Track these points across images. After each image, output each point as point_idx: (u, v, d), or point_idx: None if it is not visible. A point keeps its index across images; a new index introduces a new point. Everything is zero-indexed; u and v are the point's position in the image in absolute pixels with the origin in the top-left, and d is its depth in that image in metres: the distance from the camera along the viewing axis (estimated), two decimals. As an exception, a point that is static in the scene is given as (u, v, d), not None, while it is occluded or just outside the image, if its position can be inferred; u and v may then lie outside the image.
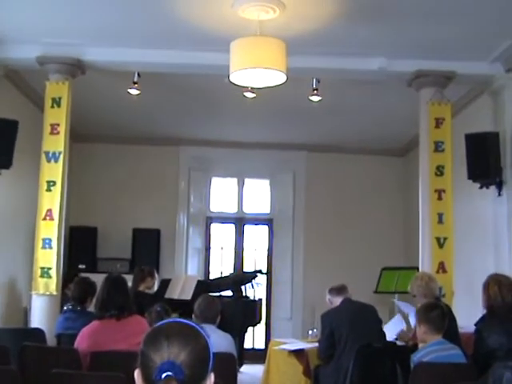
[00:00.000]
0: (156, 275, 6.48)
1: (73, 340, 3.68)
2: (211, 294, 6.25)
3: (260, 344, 9.36)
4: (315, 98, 6.59)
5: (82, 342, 3.56)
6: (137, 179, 9.07)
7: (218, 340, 3.86)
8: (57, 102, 5.62)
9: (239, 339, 6.72)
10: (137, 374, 1.30)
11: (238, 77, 4.69)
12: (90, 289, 4.64)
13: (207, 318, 3.95)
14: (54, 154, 5.57)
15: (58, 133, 5.57)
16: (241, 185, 9.64)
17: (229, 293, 7.36)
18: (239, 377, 3.92)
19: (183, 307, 5.73)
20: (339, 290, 4.95)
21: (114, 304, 3.60)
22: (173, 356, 1.25)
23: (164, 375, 1.23)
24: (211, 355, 1.32)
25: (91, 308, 4.29)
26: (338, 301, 4.88)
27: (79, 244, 8.43)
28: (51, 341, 4.64)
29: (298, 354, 5.16)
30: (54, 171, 5.56)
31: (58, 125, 5.60)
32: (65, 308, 4.66)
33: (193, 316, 4.04)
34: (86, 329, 3.62)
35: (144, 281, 6.22)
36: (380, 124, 8.06)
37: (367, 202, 9.28)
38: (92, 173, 9.02)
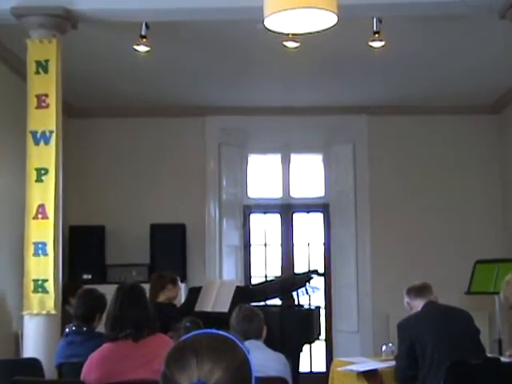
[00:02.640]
0: (179, 283, 6.54)
1: (78, 370, 3.69)
2: (254, 303, 6.30)
3: (320, 366, 9.35)
4: (377, 44, 6.49)
5: (90, 372, 3.57)
6: (153, 162, 9.12)
7: (268, 361, 3.92)
8: (43, 67, 5.60)
9: (292, 360, 6.69)
10: None
11: (274, 21, 4.57)
12: (99, 303, 4.66)
13: (248, 332, 4.00)
14: (43, 134, 5.58)
15: (46, 106, 5.56)
16: (286, 162, 9.63)
17: (277, 301, 7.36)
18: (294, 409, 3.93)
19: (219, 322, 5.72)
20: (420, 290, 4.91)
21: (129, 321, 3.63)
22: (204, 376, 1.27)
23: None
24: (253, 373, 1.35)
25: (100, 328, 4.31)
26: (419, 305, 4.85)
27: (83, 248, 8.49)
28: (51, 373, 4.68)
29: (370, 376, 5.13)
30: (44, 156, 5.57)
31: (47, 96, 5.59)
32: (67, 330, 4.68)
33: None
34: (96, 354, 3.64)
35: (164, 290, 6.26)
36: (463, 74, 7.92)
37: (451, 176, 9.15)
38: (95, 157, 9.09)
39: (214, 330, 1.39)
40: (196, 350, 1.31)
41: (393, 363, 5.04)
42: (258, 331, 4.07)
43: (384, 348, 5.87)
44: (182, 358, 1.31)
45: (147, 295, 4.00)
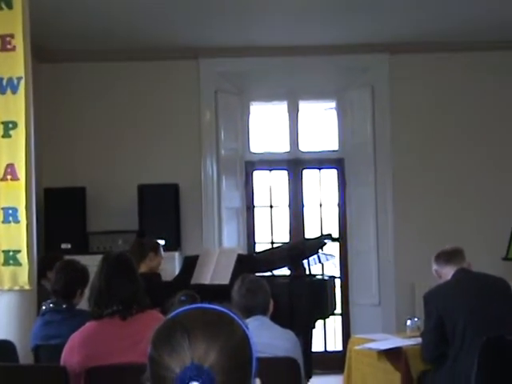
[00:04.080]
0: (161, 250, 6.61)
1: (58, 353, 3.73)
2: (259, 274, 6.34)
3: (335, 344, 9.43)
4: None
5: (71, 354, 3.60)
6: (139, 113, 9.08)
7: (275, 339, 3.98)
8: (6, 1, 5.53)
9: (304, 338, 6.75)
10: None
11: None
12: (80, 277, 4.71)
13: (252, 307, 4.06)
14: (10, 81, 5.54)
15: (12, 48, 5.52)
16: (294, 111, 9.57)
17: (285, 271, 7.39)
18: (307, 393, 4.00)
19: (219, 296, 5.77)
20: (451, 256, 4.95)
21: (116, 296, 3.67)
22: (198, 358, 1.28)
23: None
24: (253, 353, 1.36)
25: (82, 305, 4.33)
26: (449, 273, 4.89)
27: (60, 213, 8.45)
28: (26, 357, 4.71)
29: (393, 355, 5.20)
30: (11, 107, 5.55)
31: (12, 36, 5.55)
32: (43, 307, 4.71)
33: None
34: (77, 335, 3.67)
35: (145, 259, 6.38)
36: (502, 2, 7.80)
37: (488, 126, 9.10)
38: (71, 108, 9.02)
39: (206, 304, 1.40)
40: (187, 329, 1.31)
41: (419, 340, 5.10)
42: (263, 306, 4.11)
43: (409, 323, 5.91)
44: (172, 338, 1.31)
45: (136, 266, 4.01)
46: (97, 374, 3.44)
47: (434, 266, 5.00)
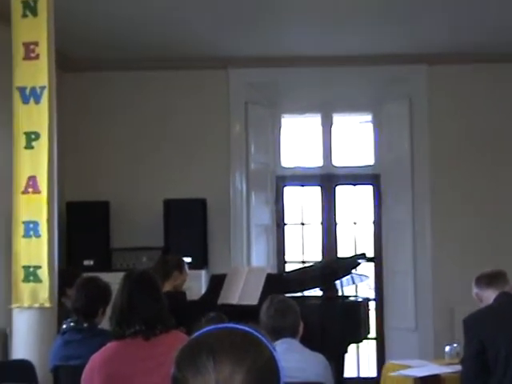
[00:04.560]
0: (186, 267, 6.60)
1: (78, 375, 3.71)
2: (289, 294, 6.32)
3: (369, 370, 9.40)
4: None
5: (91, 376, 3.59)
6: (166, 125, 9.13)
7: (305, 363, 3.98)
8: (30, 8, 5.60)
9: (336, 363, 6.72)
10: None
11: None
12: (102, 295, 4.72)
13: (281, 329, 4.05)
14: (33, 90, 5.60)
15: (36, 57, 5.58)
16: (327, 124, 9.59)
17: (317, 292, 7.37)
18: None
19: (247, 317, 5.76)
20: (492, 278, 4.91)
21: (139, 315, 3.66)
22: (223, 380, 1.28)
23: None
24: (280, 375, 1.36)
25: (104, 324, 4.33)
26: (490, 296, 4.85)
27: (83, 228, 8.51)
28: (44, 377, 4.73)
29: (431, 383, 5.13)
30: (35, 118, 5.60)
31: (36, 44, 5.60)
32: (64, 326, 4.73)
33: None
34: (98, 356, 3.66)
35: (169, 278, 6.35)
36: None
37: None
38: (96, 119, 9.10)
39: (232, 324, 1.40)
40: (213, 349, 1.32)
41: (458, 367, 5.05)
42: (293, 328, 4.10)
43: (447, 349, 5.87)
44: (197, 358, 1.31)
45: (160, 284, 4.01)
46: (118, 396, 3.44)
47: (475, 290, 4.95)
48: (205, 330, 1.40)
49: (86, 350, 4.05)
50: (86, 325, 4.62)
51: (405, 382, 5.27)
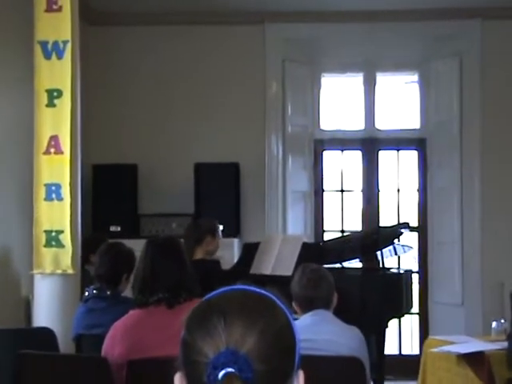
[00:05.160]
0: (220, 233, 6.60)
1: (101, 344, 3.80)
2: (327, 265, 6.34)
3: (412, 347, 9.43)
4: None
5: (112, 345, 3.65)
6: (197, 83, 9.11)
7: (338, 336, 3.98)
8: (53, -45, 5.66)
9: (377, 339, 6.75)
10: (178, 379, 1.38)
11: None
12: (126, 261, 4.76)
13: (314, 299, 4.06)
14: (55, 44, 5.63)
15: (58, 9, 5.61)
16: (370, 84, 9.53)
17: (356, 263, 7.44)
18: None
19: (281, 288, 5.80)
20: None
21: (163, 282, 3.72)
22: (234, 342, 1.30)
23: (221, 374, 1.27)
24: (297, 342, 1.36)
25: (128, 292, 4.38)
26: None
27: (110, 193, 8.53)
28: (67, 346, 4.81)
29: (474, 360, 5.15)
30: (56, 74, 5.64)
31: (59, -5, 5.65)
32: (87, 294, 4.78)
33: (293, 303, 4.14)
34: (120, 324, 3.74)
35: (202, 243, 6.35)
36: None
37: None
38: (123, 76, 9.08)
39: (247, 286, 1.42)
40: (224, 311, 1.33)
41: (505, 344, 5.03)
42: (326, 298, 4.11)
43: (494, 325, 5.87)
44: (207, 320, 1.33)
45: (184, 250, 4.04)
46: (140, 366, 3.48)
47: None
48: (217, 291, 1.42)
49: (110, 319, 4.09)
50: (109, 292, 4.66)
51: (447, 359, 5.28)
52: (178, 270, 3.76)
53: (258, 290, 1.41)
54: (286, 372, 1.33)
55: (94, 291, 4.70)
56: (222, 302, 1.37)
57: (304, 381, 1.38)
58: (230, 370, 1.27)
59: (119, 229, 8.41)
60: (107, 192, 8.52)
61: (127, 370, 3.50)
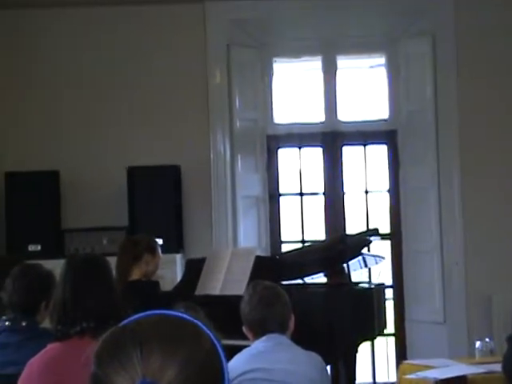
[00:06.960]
0: (159, 250, 6.60)
1: (13, 384, 3.73)
2: (285, 282, 6.35)
3: (388, 373, 9.49)
4: None
5: (30, 384, 3.59)
6: (129, 74, 9.11)
7: (296, 364, 3.99)
8: None
9: (346, 366, 6.79)
10: None
11: None
12: (45, 285, 4.70)
13: (267, 321, 4.07)
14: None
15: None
16: (330, 69, 9.59)
17: (320, 278, 7.48)
18: None
19: (232, 310, 5.82)
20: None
21: (86, 309, 3.70)
22: (151, 374, 1.32)
23: None
24: (225, 373, 1.37)
25: (47, 322, 4.33)
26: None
27: (27, 205, 8.47)
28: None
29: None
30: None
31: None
32: (-1, 325, 4.73)
33: (243, 327, 4.21)
34: (36, 360, 3.70)
35: (140, 262, 6.35)
36: None
37: None
38: (40, 68, 9.07)
39: (167, 311, 1.43)
40: (140, 339, 1.35)
41: (491, 367, 5.08)
42: (281, 320, 4.13)
43: (478, 345, 5.90)
44: (120, 350, 1.35)
45: (112, 270, 4.01)
46: (61, 410, 3.44)
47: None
48: (133, 317, 1.43)
49: (25, 355, 4.04)
50: (24, 323, 4.61)
51: (424, 387, 5.33)
52: (105, 293, 3.72)
53: (179, 314, 1.43)
54: None
55: (7, 323, 4.64)
56: (138, 329, 1.38)
57: None
58: None
59: (39, 247, 8.36)
60: (24, 204, 8.45)
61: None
